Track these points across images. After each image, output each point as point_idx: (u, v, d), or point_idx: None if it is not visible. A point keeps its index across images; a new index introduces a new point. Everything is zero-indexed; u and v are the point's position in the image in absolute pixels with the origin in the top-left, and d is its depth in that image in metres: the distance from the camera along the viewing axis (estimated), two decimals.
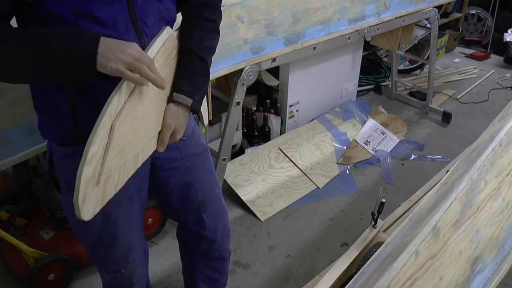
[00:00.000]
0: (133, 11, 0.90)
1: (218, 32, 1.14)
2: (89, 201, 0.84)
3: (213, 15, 1.11)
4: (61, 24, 0.84)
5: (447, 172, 2.04)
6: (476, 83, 3.73)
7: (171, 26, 1.05)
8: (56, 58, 0.81)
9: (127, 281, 1.26)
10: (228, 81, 2.10)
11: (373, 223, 1.72)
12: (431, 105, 3.19)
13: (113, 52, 0.81)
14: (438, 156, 2.73)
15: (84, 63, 0.81)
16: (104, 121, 0.82)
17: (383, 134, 2.83)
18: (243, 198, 2.26)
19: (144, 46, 0.94)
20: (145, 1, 0.92)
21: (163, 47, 0.97)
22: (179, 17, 1.09)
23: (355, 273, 1.51)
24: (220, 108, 2.29)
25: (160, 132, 1.02)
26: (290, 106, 2.69)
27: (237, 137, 2.43)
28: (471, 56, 4.26)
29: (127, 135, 0.90)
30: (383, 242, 1.40)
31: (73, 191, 1.08)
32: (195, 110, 1.07)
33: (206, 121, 1.29)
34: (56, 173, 1.08)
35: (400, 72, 3.78)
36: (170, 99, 1.02)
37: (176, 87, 1.03)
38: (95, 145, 0.81)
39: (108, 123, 0.84)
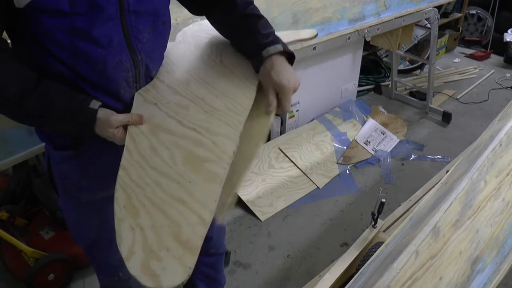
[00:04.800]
0: (126, 29, 0.88)
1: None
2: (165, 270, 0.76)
3: None
4: (54, 45, 0.82)
5: (447, 172, 2.04)
6: (476, 83, 3.73)
7: (166, 39, 1.03)
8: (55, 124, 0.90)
9: (125, 284, 1.25)
10: None
11: (373, 223, 1.72)
12: (431, 105, 3.19)
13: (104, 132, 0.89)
14: (438, 156, 2.73)
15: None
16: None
17: (383, 134, 2.83)
18: (243, 198, 2.26)
19: (136, 64, 0.93)
20: (139, 18, 0.90)
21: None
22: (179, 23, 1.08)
23: (355, 273, 1.51)
24: None
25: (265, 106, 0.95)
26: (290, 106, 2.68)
27: None
28: (471, 56, 4.26)
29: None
30: (383, 242, 1.40)
31: (69, 195, 1.08)
32: (291, 54, 1.00)
33: None
34: (54, 176, 1.08)
35: (400, 72, 3.78)
36: (257, 66, 0.96)
37: (254, 47, 0.97)
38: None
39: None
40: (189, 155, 0.87)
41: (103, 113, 0.88)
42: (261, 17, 1.03)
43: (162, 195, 0.83)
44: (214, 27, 1.11)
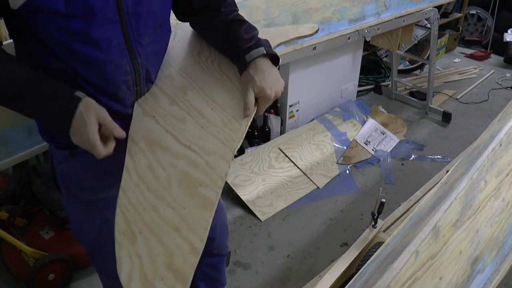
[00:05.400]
0: (127, 32, 0.87)
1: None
2: None
3: (232, 7, 1.08)
4: (53, 45, 0.82)
5: (447, 172, 2.04)
6: (476, 83, 3.73)
7: (167, 41, 1.04)
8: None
9: None
10: None
11: (373, 223, 1.72)
12: (431, 105, 3.19)
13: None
14: (438, 156, 2.73)
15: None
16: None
17: (383, 134, 2.83)
18: (243, 198, 2.26)
19: (136, 67, 0.92)
20: (141, 22, 0.89)
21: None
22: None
23: (355, 273, 1.51)
24: None
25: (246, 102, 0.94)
26: (290, 106, 2.69)
27: None
28: (471, 56, 4.26)
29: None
30: (383, 242, 1.40)
31: (71, 194, 1.08)
32: (275, 56, 0.98)
33: None
34: (57, 176, 1.08)
35: (400, 72, 3.78)
36: (242, 71, 0.96)
37: (237, 52, 0.96)
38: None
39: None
40: (184, 176, 0.88)
41: (90, 99, 0.84)
42: (243, 22, 1.03)
43: (158, 221, 0.84)
44: (197, 31, 1.12)
